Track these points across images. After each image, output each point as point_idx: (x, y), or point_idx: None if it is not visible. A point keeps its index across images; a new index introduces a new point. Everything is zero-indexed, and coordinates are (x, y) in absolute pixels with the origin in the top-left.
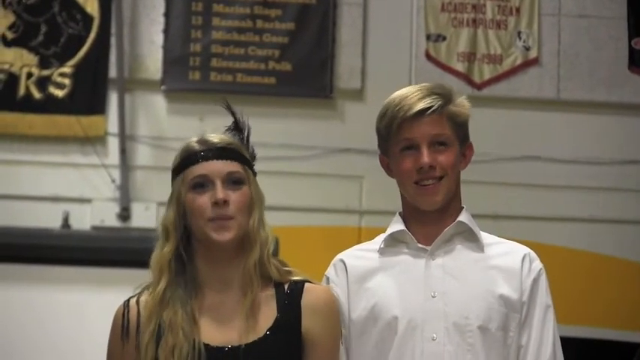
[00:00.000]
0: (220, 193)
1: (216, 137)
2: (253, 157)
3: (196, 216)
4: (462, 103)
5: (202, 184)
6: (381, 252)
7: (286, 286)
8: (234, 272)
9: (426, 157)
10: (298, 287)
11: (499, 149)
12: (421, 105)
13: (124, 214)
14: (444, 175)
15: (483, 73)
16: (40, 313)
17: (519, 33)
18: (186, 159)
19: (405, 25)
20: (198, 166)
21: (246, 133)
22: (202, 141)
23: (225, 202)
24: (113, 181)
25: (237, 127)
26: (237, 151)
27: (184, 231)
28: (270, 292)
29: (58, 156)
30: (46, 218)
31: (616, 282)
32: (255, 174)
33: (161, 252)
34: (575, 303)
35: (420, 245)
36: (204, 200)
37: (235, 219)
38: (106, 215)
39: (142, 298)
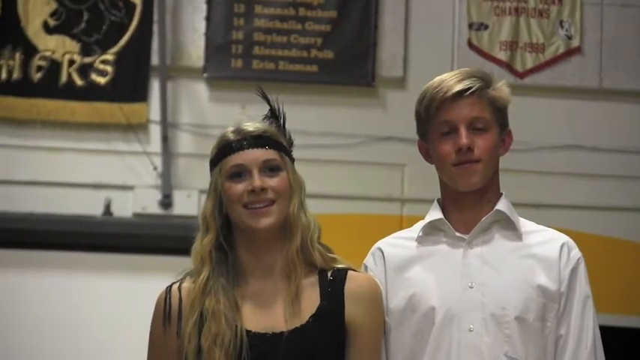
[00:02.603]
0: (257, 180)
1: (251, 126)
2: (291, 143)
3: (233, 204)
4: (501, 88)
5: (239, 173)
6: (419, 241)
7: (329, 274)
8: (276, 259)
9: (464, 139)
10: (341, 275)
11: (541, 138)
12: (460, 86)
13: (166, 202)
14: (482, 158)
15: (525, 61)
16: (81, 299)
17: (561, 22)
18: (222, 149)
19: (447, 14)
20: (234, 155)
21: (282, 120)
22: (237, 130)
23: (263, 190)
24: (155, 168)
25: (273, 115)
26: (273, 139)
27: (225, 221)
28: (313, 279)
29: (100, 143)
30: (87, 205)
31: None
32: (293, 160)
33: (201, 243)
34: (620, 293)
35: (457, 234)
36: (240, 188)
37: (277, 203)
38: (148, 202)
39: (184, 285)
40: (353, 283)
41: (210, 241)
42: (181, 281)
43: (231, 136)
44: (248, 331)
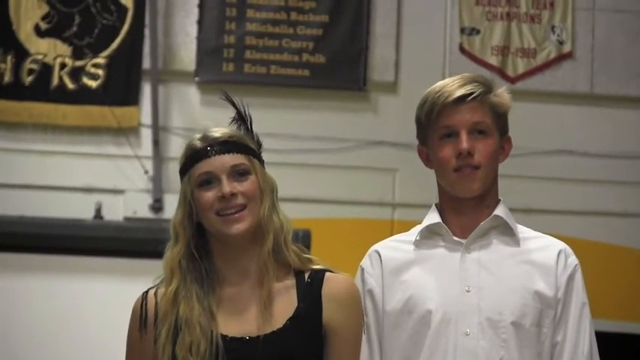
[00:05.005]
0: (226, 187)
1: (217, 131)
2: (259, 145)
3: (205, 212)
4: (502, 94)
5: (208, 180)
6: (417, 244)
7: (307, 276)
8: (251, 263)
9: (465, 143)
10: (319, 276)
11: (532, 143)
12: (462, 91)
13: (157, 206)
14: (482, 164)
15: (517, 66)
16: (71, 303)
17: (553, 27)
18: (190, 157)
19: (439, 18)
20: (202, 163)
21: (249, 123)
22: (204, 137)
23: (233, 195)
24: (146, 172)
25: (240, 117)
26: (240, 143)
27: (197, 229)
28: (290, 282)
29: (91, 147)
30: (78, 209)
31: None
32: (262, 162)
33: (170, 253)
34: (610, 297)
35: (455, 238)
36: (210, 196)
37: (248, 207)
38: (139, 206)
39: (160, 290)
40: (330, 284)
41: (179, 251)
42: (158, 286)
43: (198, 144)
44: (224, 336)
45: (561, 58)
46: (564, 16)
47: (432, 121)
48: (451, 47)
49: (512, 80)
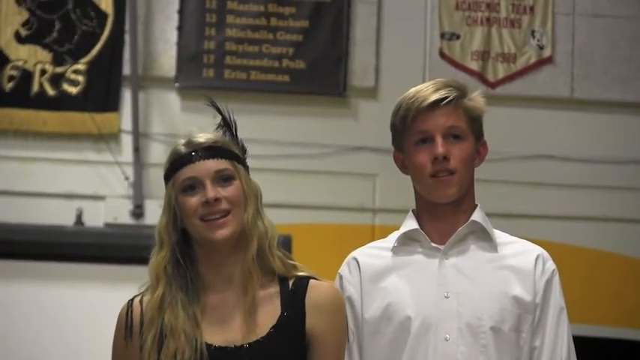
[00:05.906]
0: (210, 192)
1: (202, 137)
2: (244, 150)
3: (189, 217)
4: (476, 98)
5: (192, 185)
6: (395, 251)
7: (290, 283)
8: (235, 269)
9: (440, 148)
10: (303, 284)
11: (512, 148)
12: (436, 96)
13: (138, 212)
14: (458, 169)
15: (497, 71)
16: (52, 310)
17: (533, 32)
18: (174, 163)
19: (419, 24)
20: (187, 168)
21: (234, 129)
22: (188, 143)
23: (217, 200)
24: (127, 178)
25: (225, 123)
26: (225, 148)
27: (182, 235)
28: (274, 289)
29: (72, 153)
30: (59, 215)
31: (634, 282)
32: (247, 167)
33: (156, 259)
34: (586, 301)
35: (433, 244)
36: (194, 201)
37: (232, 213)
38: (120, 212)
39: (146, 298)
40: (314, 291)
41: (164, 257)
42: (143, 294)
43: (183, 149)
44: (209, 345)
45: (541, 62)
46: (544, 21)
47: (407, 127)
48: (431, 52)
49: (493, 85)
